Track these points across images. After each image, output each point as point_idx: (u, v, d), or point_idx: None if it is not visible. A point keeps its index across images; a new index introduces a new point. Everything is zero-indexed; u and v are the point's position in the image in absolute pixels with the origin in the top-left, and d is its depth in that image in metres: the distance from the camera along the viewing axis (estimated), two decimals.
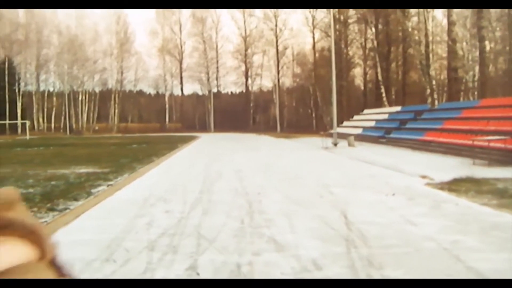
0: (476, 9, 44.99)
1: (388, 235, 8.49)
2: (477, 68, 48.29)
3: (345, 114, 62.08)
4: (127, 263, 6.99)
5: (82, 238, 8.69)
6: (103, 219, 10.37)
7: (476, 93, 47.31)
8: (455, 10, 47.84)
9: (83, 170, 20.83)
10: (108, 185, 15.96)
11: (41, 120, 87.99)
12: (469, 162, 20.93)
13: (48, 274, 0.70)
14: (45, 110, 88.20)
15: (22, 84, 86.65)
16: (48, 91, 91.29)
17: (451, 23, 48.22)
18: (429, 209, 10.87)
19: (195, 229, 9.19)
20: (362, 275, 6.35)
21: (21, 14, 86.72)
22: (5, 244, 0.64)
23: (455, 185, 14.27)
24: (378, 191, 13.65)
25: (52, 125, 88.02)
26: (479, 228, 8.91)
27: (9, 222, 0.70)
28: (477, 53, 47.50)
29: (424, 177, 16.49)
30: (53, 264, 0.67)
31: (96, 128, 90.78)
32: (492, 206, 11.06)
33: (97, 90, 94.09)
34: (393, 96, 66.72)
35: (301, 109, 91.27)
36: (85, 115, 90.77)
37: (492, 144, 20.80)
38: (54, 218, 10.54)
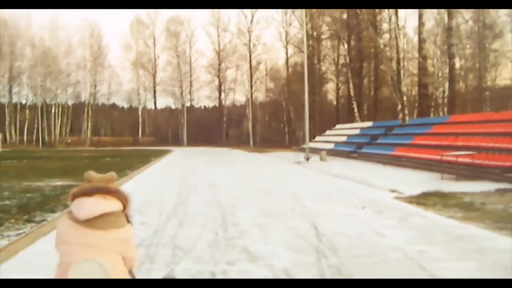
0: (445, 27, 45.84)
1: (357, 246, 8.84)
2: (447, 85, 49.06)
3: (318, 129, 62.52)
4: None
5: None
6: None
7: (445, 109, 48.05)
8: (425, 27, 48.66)
9: (58, 182, 20.90)
10: None
11: (13, 132, 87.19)
12: (437, 177, 21.39)
13: (124, 220, 3.25)
14: (18, 122, 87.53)
15: None
16: (21, 103, 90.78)
17: (421, 40, 48.88)
18: (397, 222, 11.25)
19: (171, 240, 9.47)
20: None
21: None
22: (113, 200, 3.15)
23: (423, 199, 14.69)
24: (349, 204, 14.02)
25: (25, 137, 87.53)
26: (444, 239, 9.30)
27: (116, 190, 3.26)
28: (447, 70, 48.25)
29: (393, 191, 16.92)
30: (126, 215, 3.26)
31: (69, 141, 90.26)
32: (458, 218, 11.48)
33: (70, 103, 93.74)
34: (365, 112, 67.27)
35: (274, 123, 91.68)
36: (58, 128, 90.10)
37: (460, 159, 21.31)
38: (32, 229, 10.72)
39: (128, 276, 3.52)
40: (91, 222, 3.25)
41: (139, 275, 6.89)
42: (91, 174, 3.49)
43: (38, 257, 8.30)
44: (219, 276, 7.08)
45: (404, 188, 17.22)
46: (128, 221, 3.49)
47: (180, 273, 7.17)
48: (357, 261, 7.72)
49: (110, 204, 3.35)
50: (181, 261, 7.91)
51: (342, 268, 7.33)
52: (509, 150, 20.84)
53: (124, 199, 3.49)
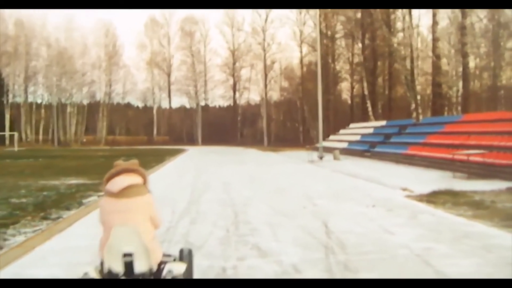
0: (459, 25, 45.76)
1: (365, 243, 9.01)
2: (460, 84, 48.99)
3: (332, 128, 62.59)
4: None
5: (76, 244, 9.16)
6: (96, 227, 10.80)
7: (459, 108, 47.96)
8: (439, 26, 48.65)
9: (73, 181, 21.21)
10: (98, 196, 16.37)
11: (29, 132, 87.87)
12: (449, 176, 21.48)
13: (145, 189, 5.19)
14: (33, 122, 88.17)
15: (10, 96, 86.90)
16: (36, 103, 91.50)
17: (435, 39, 48.88)
18: (407, 220, 11.40)
19: (183, 237, 9.68)
20: (338, 277, 6.87)
21: (10, 26, 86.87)
22: (135, 176, 5.11)
23: (433, 197, 14.81)
24: (360, 202, 14.18)
25: (40, 137, 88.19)
26: (451, 236, 9.45)
27: (135, 168, 5.24)
28: (461, 69, 48.19)
29: (404, 189, 17.04)
30: (146, 186, 5.19)
31: (84, 140, 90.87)
32: (467, 216, 11.61)
33: (85, 102, 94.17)
34: (380, 111, 67.25)
35: (288, 123, 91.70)
36: (73, 127, 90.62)
37: (471, 158, 21.38)
38: (48, 226, 10.99)
39: (154, 234, 5.19)
40: (122, 193, 4.96)
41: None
42: (119, 162, 5.32)
43: (53, 253, 8.57)
44: (229, 271, 7.29)
45: (415, 187, 17.33)
46: (148, 191, 5.25)
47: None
48: (365, 257, 7.90)
49: (133, 179, 5.11)
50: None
51: (349, 264, 7.51)
52: None
53: (143, 175, 5.29)
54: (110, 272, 4.85)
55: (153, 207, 5.17)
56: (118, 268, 4.84)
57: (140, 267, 4.86)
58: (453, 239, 9.21)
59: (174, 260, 5.45)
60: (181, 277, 5.07)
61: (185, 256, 5.69)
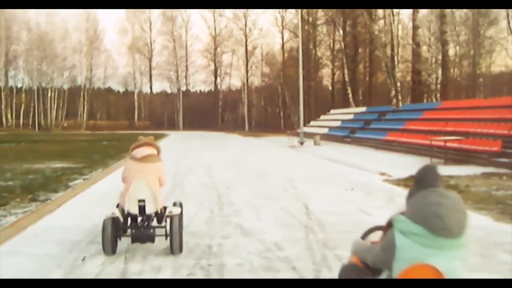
0: (439, 14, 46.27)
1: (343, 223, 9.48)
2: (440, 71, 49.58)
3: (313, 114, 63.05)
4: None
5: (66, 224, 9.53)
6: (84, 208, 11.22)
7: (438, 95, 48.56)
8: (419, 14, 49.13)
9: (58, 165, 21.45)
10: (84, 179, 16.71)
11: (9, 116, 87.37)
12: (427, 161, 21.98)
13: (158, 158, 7.80)
14: (14, 106, 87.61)
15: None
16: (17, 87, 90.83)
17: (415, 27, 49.37)
18: (384, 202, 11.90)
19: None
20: (318, 254, 7.30)
21: None
22: (152, 148, 7.71)
23: (410, 181, 15.00)
24: (339, 186, 14.66)
25: (21, 121, 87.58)
26: None
27: (153, 143, 7.88)
28: (440, 57, 48.78)
29: (382, 174, 17.55)
30: (159, 155, 7.82)
31: (65, 125, 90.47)
32: None
33: (66, 87, 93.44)
34: (360, 97, 67.77)
35: (269, 108, 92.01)
36: (54, 112, 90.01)
37: (448, 144, 21.90)
38: (38, 207, 11.33)
39: (160, 189, 7.61)
40: (142, 159, 7.44)
41: (141, 249, 7.49)
42: (141, 137, 8.01)
43: (45, 231, 8.92)
44: (215, 248, 7.70)
45: (393, 171, 17.86)
46: (160, 159, 7.76)
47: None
48: (342, 236, 8.30)
49: (151, 150, 7.64)
50: None
51: (328, 242, 7.96)
52: (496, 135, 21.50)
53: (157, 148, 7.84)
54: (129, 213, 7.45)
55: (161, 171, 7.72)
56: (135, 210, 7.39)
57: (150, 209, 7.42)
58: None
59: (174, 204, 7.90)
60: (178, 216, 7.44)
61: (178, 204, 7.97)
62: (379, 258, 3.58)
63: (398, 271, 3.34)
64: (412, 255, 3.29)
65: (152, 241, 7.48)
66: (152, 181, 7.37)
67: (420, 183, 3.59)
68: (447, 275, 3.27)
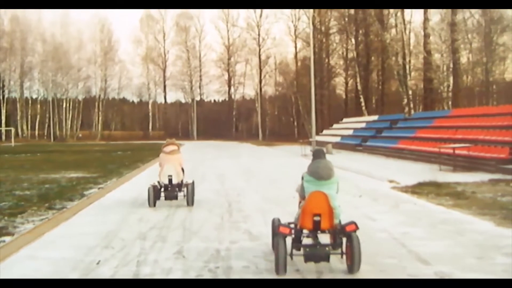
0: (450, 22, 46.44)
1: None
2: (451, 79, 49.66)
3: (326, 122, 63.30)
4: (123, 249, 8.22)
5: (82, 230, 9.93)
6: (99, 216, 11.62)
7: (450, 102, 48.63)
8: (430, 22, 49.33)
9: (73, 174, 21.90)
10: (99, 188, 17.12)
11: (25, 127, 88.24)
12: (436, 168, 22.24)
13: (179, 152, 13.66)
14: (29, 117, 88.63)
15: (6, 91, 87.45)
16: (32, 98, 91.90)
17: (427, 35, 49.53)
18: (389, 208, 12.23)
19: (181, 223, 10.46)
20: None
21: (6, 21, 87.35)
22: (175, 145, 13.56)
23: (418, 188, 15.59)
24: (347, 192, 14.86)
25: (36, 132, 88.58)
26: (428, 222, 10.24)
27: (175, 142, 13.80)
28: (452, 64, 48.90)
29: (391, 181, 17.81)
30: (179, 150, 13.70)
31: (80, 135, 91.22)
32: (446, 205, 12.40)
33: (80, 97, 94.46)
34: (373, 105, 67.91)
35: (283, 117, 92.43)
36: (68, 123, 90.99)
37: (457, 152, 22.14)
38: (54, 215, 11.73)
39: (182, 173, 13.21)
40: (169, 152, 13.18)
41: (152, 252, 7.82)
42: (168, 139, 14.15)
43: (61, 238, 9.32)
44: (223, 252, 8.04)
45: (402, 179, 18.10)
46: (180, 152, 13.45)
47: (190, 250, 8.15)
48: None
49: (174, 147, 13.35)
50: (190, 240, 8.89)
51: None
52: (504, 142, 21.71)
53: (178, 145, 13.58)
54: (163, 183, 12.91)
55: (181, 159, 13.34)
56: (166, 181, 12.87)
57: (175, 181, 12.90)
58: (430, 225, 10.02)
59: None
60: (191, 185, 13.04)
61: (191, 181, 13.33)
62: (300, 191, 7.68)
63: (306, 194, 7.12)
64: (310, 189, 7.14)
65: (176, 198, 12.85)
66: (176, 165, 13.00)
67: (314, 156, 7.68)
68: (329, 196, 7.00)
